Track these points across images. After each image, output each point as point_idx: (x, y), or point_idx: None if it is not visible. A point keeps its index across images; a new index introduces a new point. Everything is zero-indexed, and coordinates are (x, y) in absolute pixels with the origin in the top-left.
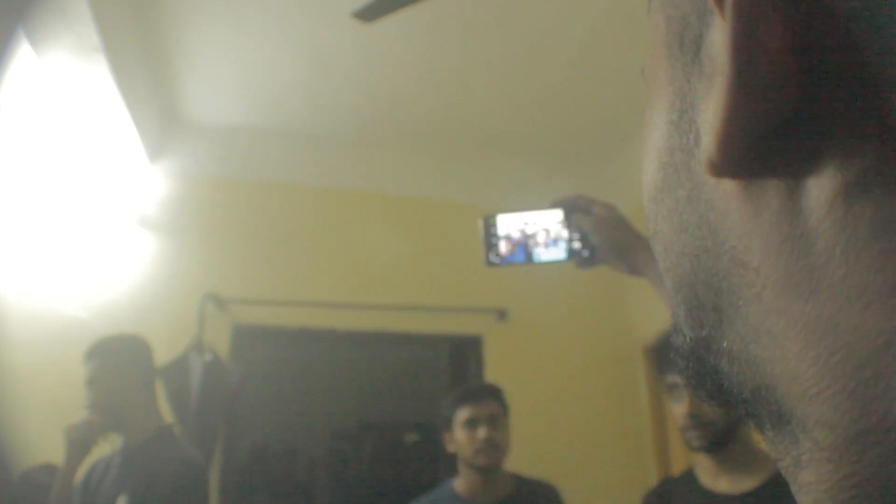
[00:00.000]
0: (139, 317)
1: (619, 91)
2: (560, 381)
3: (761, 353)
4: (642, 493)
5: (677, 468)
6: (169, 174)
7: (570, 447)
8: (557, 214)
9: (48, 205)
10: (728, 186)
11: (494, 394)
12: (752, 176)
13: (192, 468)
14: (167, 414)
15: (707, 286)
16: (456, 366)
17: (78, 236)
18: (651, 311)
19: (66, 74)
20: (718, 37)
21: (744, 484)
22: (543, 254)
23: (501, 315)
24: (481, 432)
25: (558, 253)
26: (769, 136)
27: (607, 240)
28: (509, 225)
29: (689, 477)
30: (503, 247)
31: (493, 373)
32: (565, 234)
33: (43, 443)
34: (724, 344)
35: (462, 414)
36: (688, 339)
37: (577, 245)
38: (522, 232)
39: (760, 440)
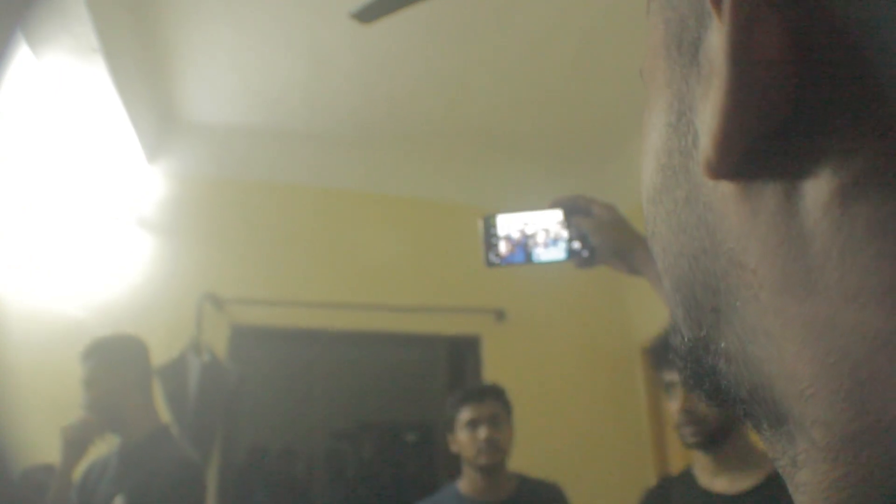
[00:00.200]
0: (137, 317)
1: (618, 91)
2: (558, 381)
3: (759, 354)
4: (640, 492)
5: (675, 467)
6: (167, 174)
7: (567, 447)
8: (557, 215)
9: (46, 205)
10: (726, 188)
11: (496, 394)
12: (750, 177)
13: (190, 468)
14: (165, 414)
15: (705, 287)
16: (454, 366)
17: (76, 236)
18: (649, 311)
19: (64, 75)
20: (716, 39)
21: (742, 483)
22: (543, 254)
23: (499, 315)
24: (482, 432)
25: (558, 253)
26: (766, 138)
27: (607, 240)
28: (509, 225)
29: (687, 476)
30: (503, 247)
31: (492, 373)
32: (565, 234)
33: (39, 443)
34: (722, 344)
35: (464, 414)
36: (686, 340)
37: (576, 245)
38: (522, 232)
39: (758, 439)
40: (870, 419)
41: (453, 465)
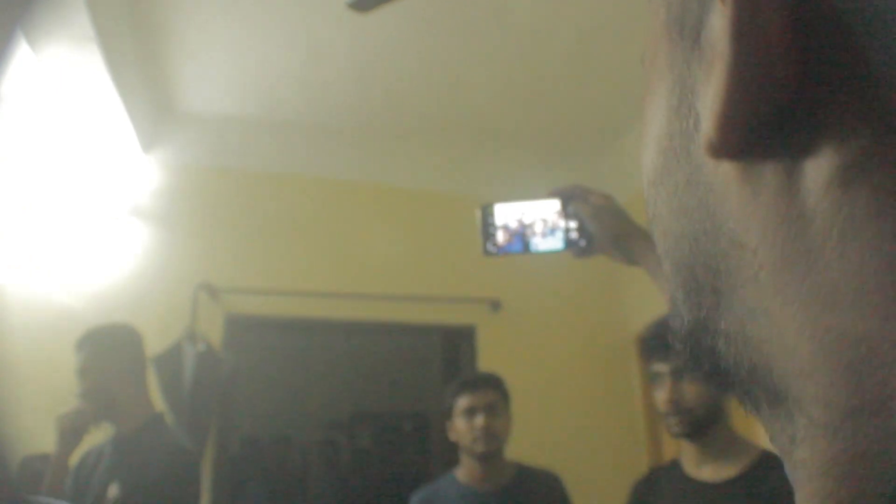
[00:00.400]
0: (132, 306)
1: (616, 83)
2: (553, 370)
3: (758, 333)
4: (634, 480)
5: (669, 456)
6: (162, 164)
7: (562, 436)
8: (555, 204)
9: (41, 195)
10: (727, 169)
11: (493, 383)
12: (751, 158)
13: (184, 456)
14: (159, 403)
15: (705, 268)
16: (449, 356)
17: (71, 226)
18: (644, 301)
19: (60, 64)
20: (718, 22)
21: (726, 471)
22: (541, 243)
23: (495, 305)
24: (479, 420)
25: (555, 243)
26: (768, 119)
27: (604, 229)
28: (507, 215)
29: (674, 466)
30: (501, 236)
31: (487, 363)
32: (562, 223)
33: (35, 432)
34: (722, 325)
35: (461, 402)
36: (686, 322)
37: (574, 235)
38: (520, 222)
39: (741, 428)
40: (868, 395)
41: (448, 454)
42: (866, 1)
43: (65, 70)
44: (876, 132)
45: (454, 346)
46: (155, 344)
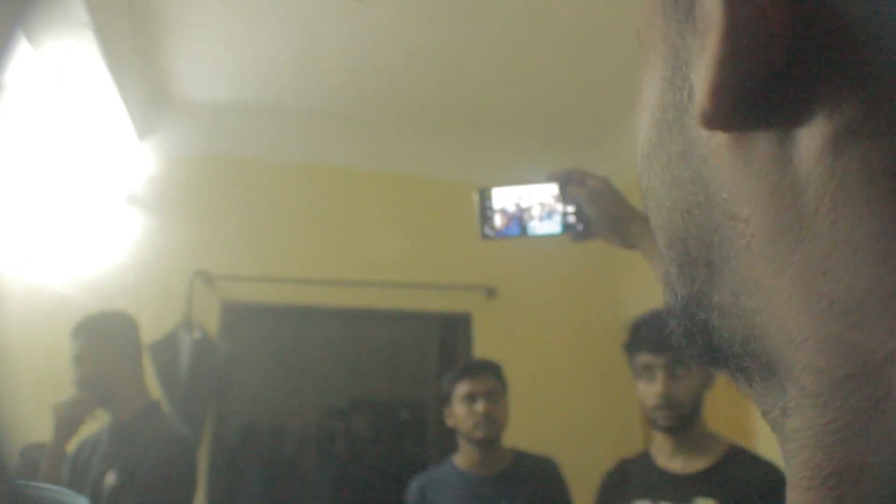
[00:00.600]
0: (128, 294)
1: (613, 68)
2: (549, 358)
3: (751, 305)
4: (603, 472)
5: None
6: (158, 151)
7: (558, 423)
8: (552, 188)
9: (37, 182)
10: (720, 139)
11: (493, 370)
12: (744, 128)
13: (181, 444)
14: (156, 391)
15: (698, 241)
16: (445, 343)
17: (66, 214)
18: (641, 287)
19: (55, 51)
20: None
21: (697, 464)
22: (538, 227)
23: (490, 292)
24: (479, 406)
25: (553, 226)
26: (760, 88)
27: (601, 212)
28: (504, 198)
29: (644, 457)
30: (498, 220)
31: (482, 350)
32: (560, 207)
33: (31, 421)
34: (716, 298)
35: (461, 388)
36: (679, 297)
37: (571, 219)
38: (517, 205)
39: (713, 424)
40: (858, 363)
41: (445, 442)
42: None
43: (60, 57)
44: (866, 100)
45: (450, 333)
46: (151, 331)
